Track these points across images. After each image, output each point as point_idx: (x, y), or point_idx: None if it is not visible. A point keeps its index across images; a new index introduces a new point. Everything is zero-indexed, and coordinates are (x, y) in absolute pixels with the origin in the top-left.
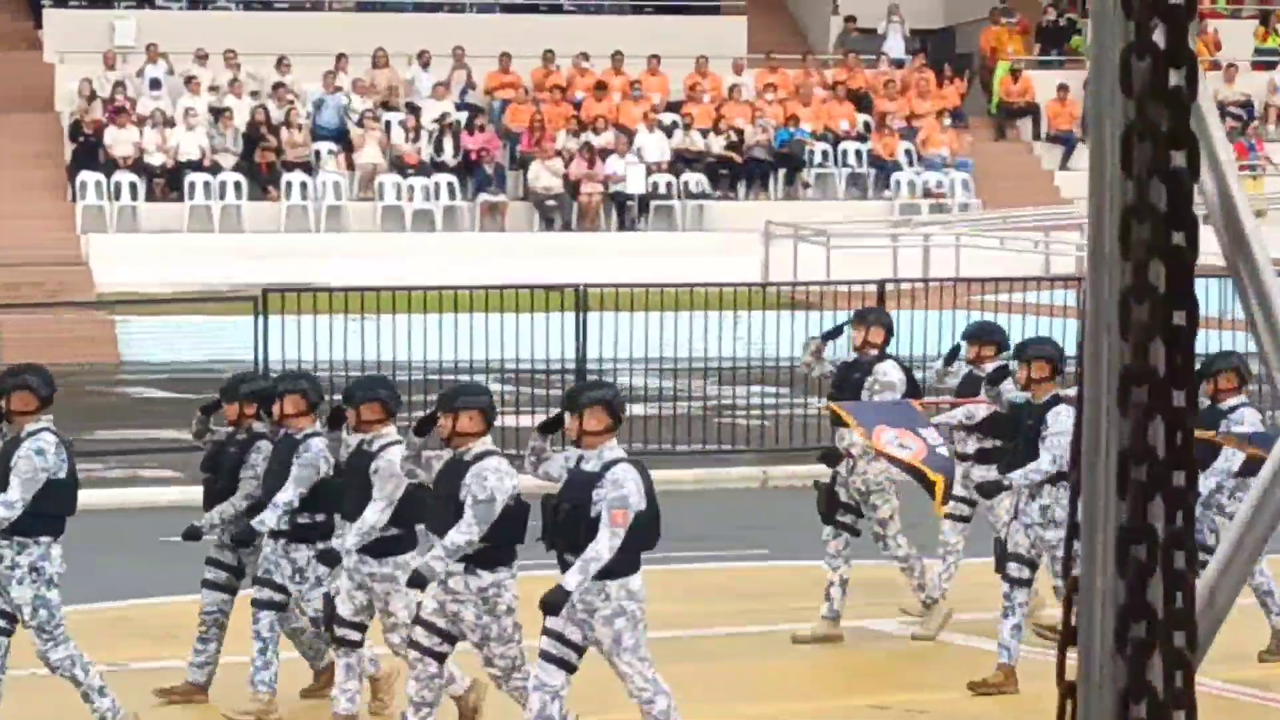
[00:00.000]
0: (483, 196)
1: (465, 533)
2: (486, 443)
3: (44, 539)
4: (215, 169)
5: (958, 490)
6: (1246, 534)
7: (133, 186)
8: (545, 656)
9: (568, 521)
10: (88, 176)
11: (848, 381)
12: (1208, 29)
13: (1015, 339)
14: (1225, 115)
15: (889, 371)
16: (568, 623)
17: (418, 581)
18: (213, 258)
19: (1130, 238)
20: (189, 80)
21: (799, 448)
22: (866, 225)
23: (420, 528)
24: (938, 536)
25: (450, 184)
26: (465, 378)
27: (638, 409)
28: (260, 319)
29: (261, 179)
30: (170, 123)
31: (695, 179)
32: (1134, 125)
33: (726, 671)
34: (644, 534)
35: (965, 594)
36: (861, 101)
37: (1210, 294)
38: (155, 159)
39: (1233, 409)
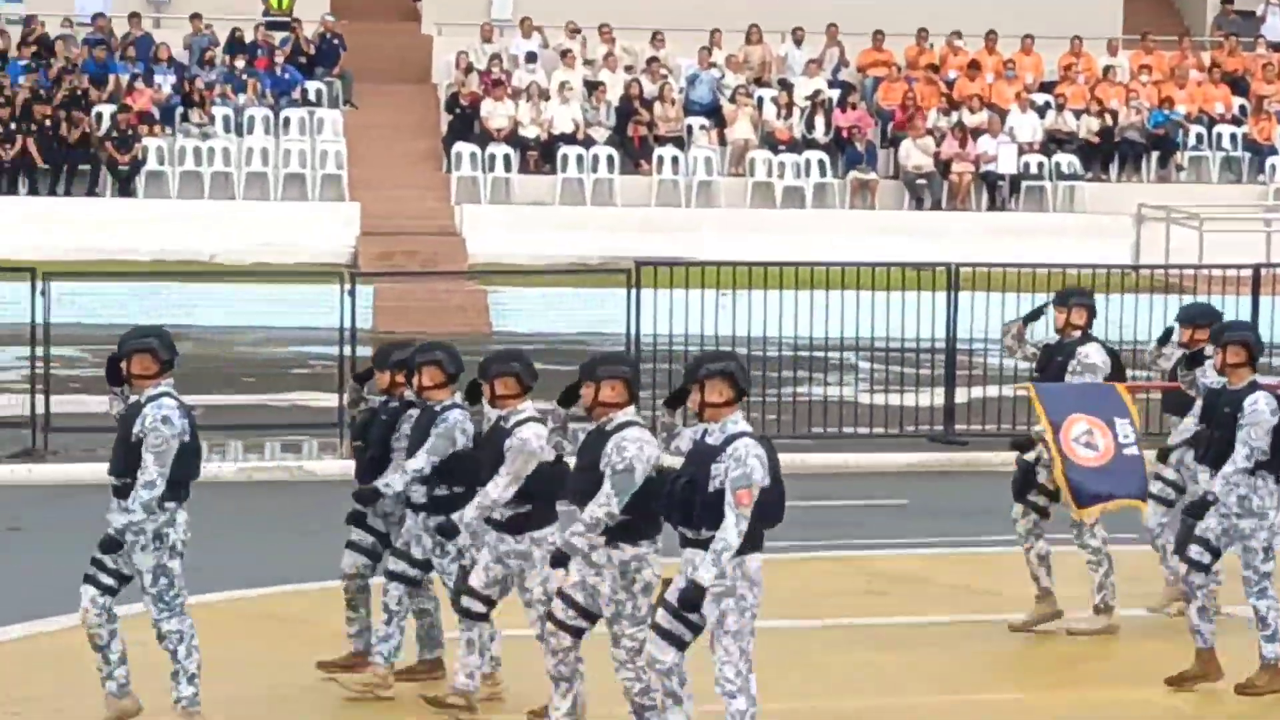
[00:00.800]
0: (853, 174)
1: (604, 504)
2: (629, 413)
3: (169, 505)
4: (588, 142)
5: (1167, 473)
6: None
7: (506, 159)
8: (659, 630)
9: (684, 494)
10: (463, 148)
11: (1050, 364)
12: None
13: None
14: None
15: (1091, 354)
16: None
17: (560, 560)
18: (584, 230)
19: None
20: (564, 54)
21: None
22: (1241, 209)
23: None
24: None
25: (821, 161)
26: (835, 355)
27: (1006, 390)
28: (633, 292)
29: (634, 153)
30: (545, 96)
31: (1067, 160)
32: None
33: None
34: (767, 512)
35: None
36: (1238, 84)
37: None
38: (529, 132)
39: None
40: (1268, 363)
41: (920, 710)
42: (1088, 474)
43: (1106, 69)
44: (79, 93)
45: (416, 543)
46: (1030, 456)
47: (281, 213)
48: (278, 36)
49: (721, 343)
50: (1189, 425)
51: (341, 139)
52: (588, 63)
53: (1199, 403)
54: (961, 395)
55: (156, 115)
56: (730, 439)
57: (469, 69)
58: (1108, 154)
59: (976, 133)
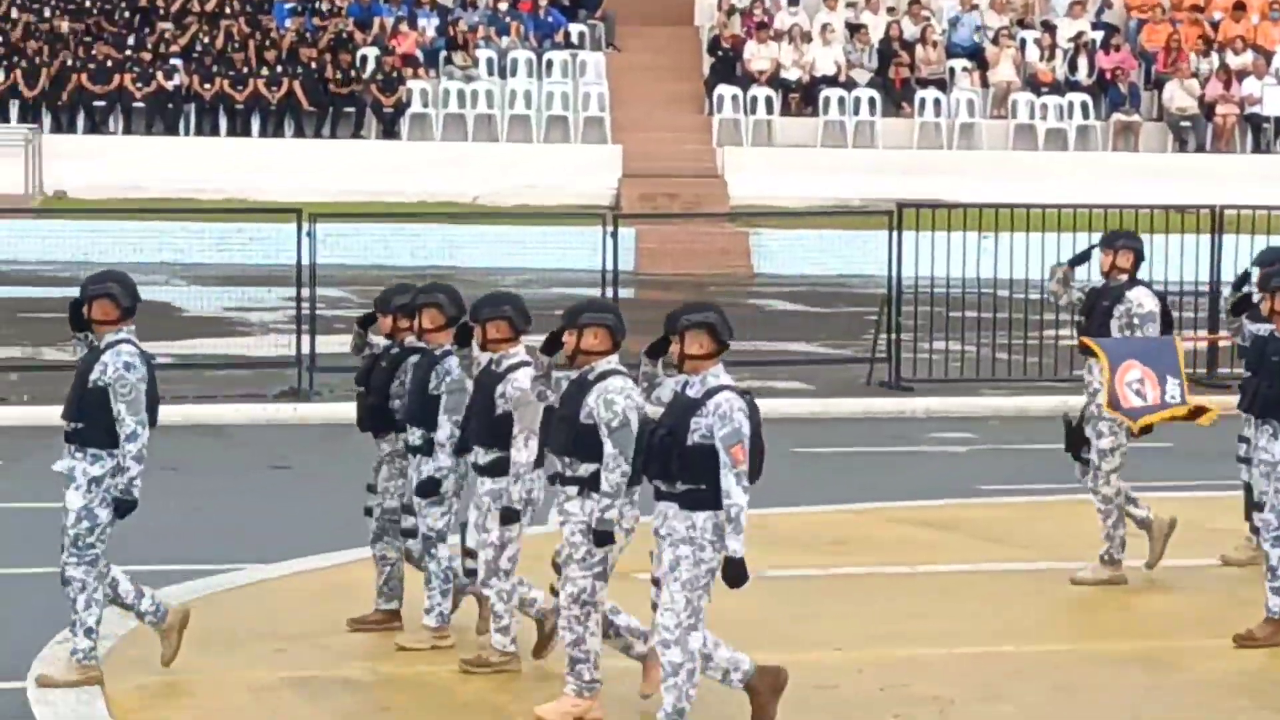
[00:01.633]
0: (1116, 116)
1: (615, 467)
2: (612, 361)
3: (118, 451)
4: (850, 85)
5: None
6: None
7: (768, 101)
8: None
9: (662, 447)
10: (725, 90)
11: (1095, 309)
12: None
13: None
14: None
15: (1144, 301)
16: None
17: (603, 540)
18: (845, 173)
19: None
20: None
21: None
22: None
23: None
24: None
25: (1084, 103)
26: None
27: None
28: (894, 234)
29: (895, 95)
30: (807, 38)
31: None
32: None
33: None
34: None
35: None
36: None
37: None
38: (791, 74)
39: None
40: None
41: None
42: (1133, 411)
43: None
44: (344, 36)
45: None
46: (1074, 416)
47: (544, 155)
48: None
49: (983, 285)
50: None
51: (604, 81)
52: (849, 4)
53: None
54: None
55: (421, 58)
56: (710, 392)
57: (731, 11)
58: None
59: (1241, 74)
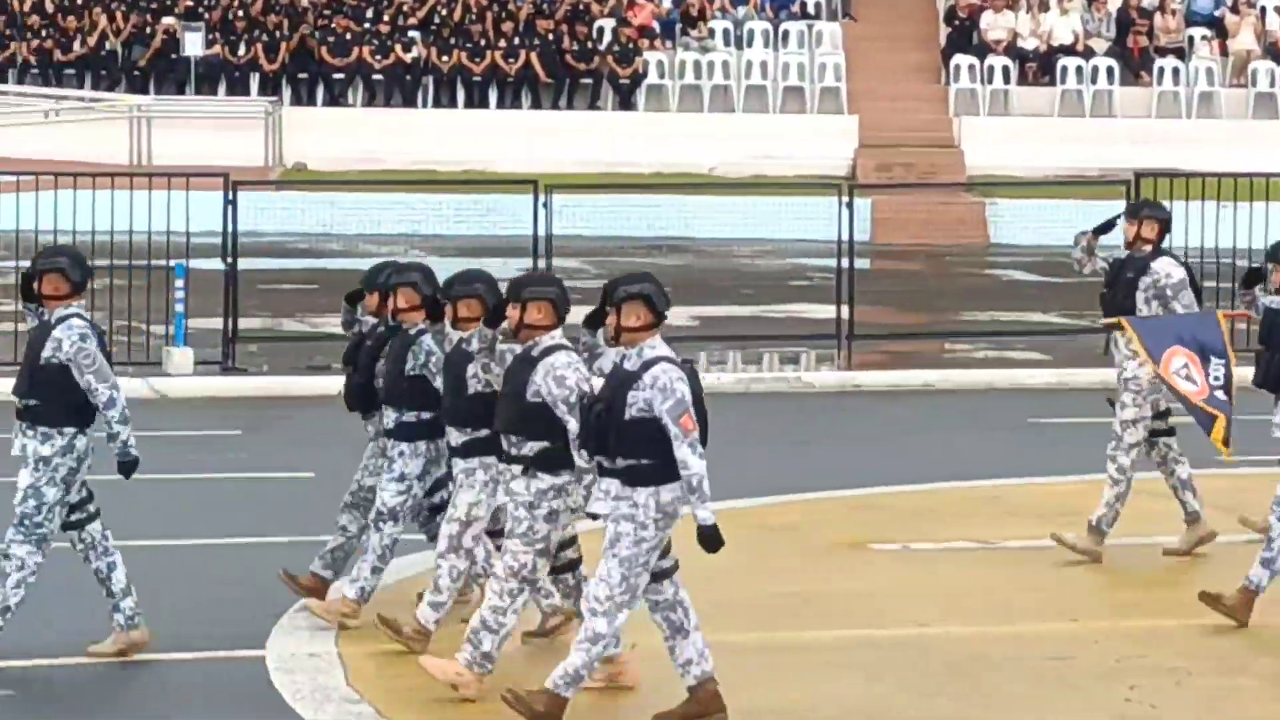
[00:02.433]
0: None
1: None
2: (556, 336)
3: (68, 429)
4: (1088, 54)
5: None
6: None
7: (1005, 70)
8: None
9: (599, 423)
10: (961, 60)
11: (1119, 280)
12: None
13: None
14: None
15: (1171, 271)
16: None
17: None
18: (1082, 143)
19: None
20: None
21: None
22: None
23: None
24: None
25: None
26: None
27: None
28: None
29: (1133, 64)
30: (1044, 7)
31: None
32: None
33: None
34: None
35: None
36: None
37: None
38: (1028, 44)
39: None
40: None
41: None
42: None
43: None
44: (581, 7)
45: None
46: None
47: (780, 125)
48: None
49: (1222, 255)
50: None
51: (840, 51)
52: None
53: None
54: None
55: (657, 29)
56: (647, 365)
57: None
58: None
59: None
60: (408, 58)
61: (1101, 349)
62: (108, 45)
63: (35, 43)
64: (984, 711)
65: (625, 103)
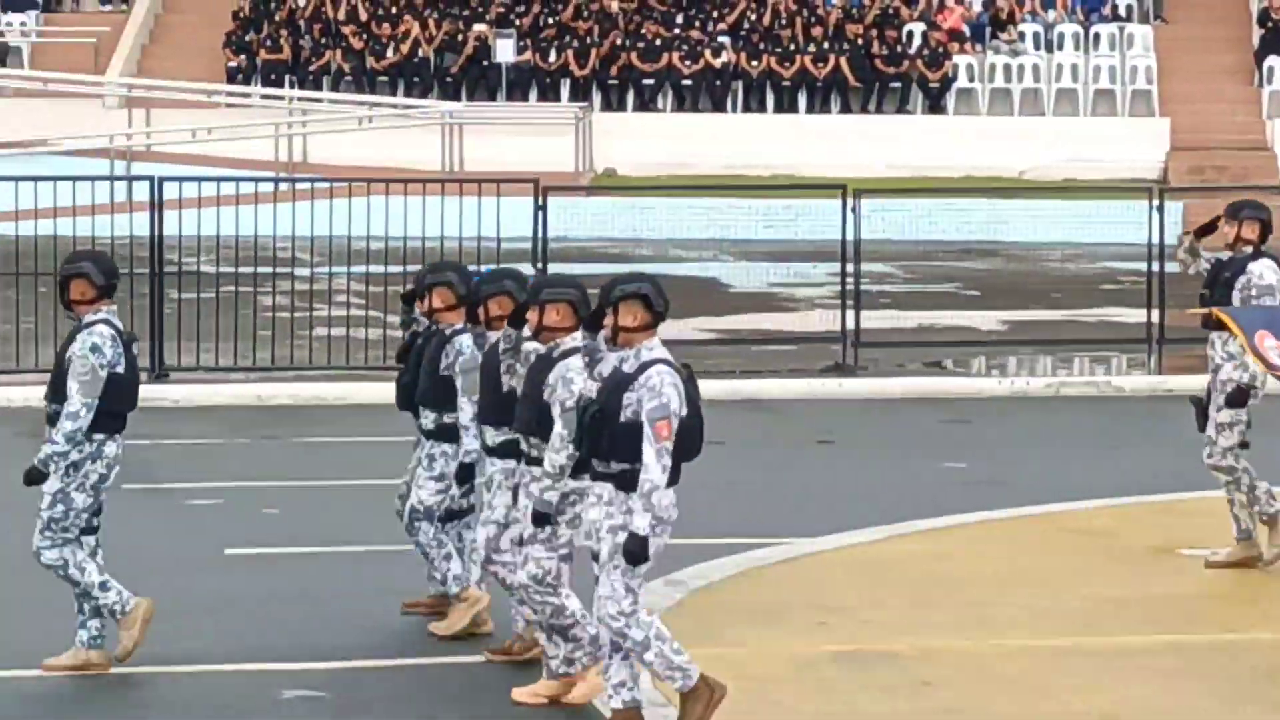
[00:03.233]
0: None
1: (563, 447)
2: (576, 338)
3: (97, 436)
4: None
5: None
6: None
7: None
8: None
9: (593, 425)
10: (1275, 62)
11: (1217, 280)
12: None
13: None
14: None
15: (1265, 273)
16: (587, 539)
17: (541, 520)
18: None
19: None
20: None
21: None
22: None
23: None
24: None
25: None
26: None
27: None
28: None
29: None
30: None
31: None
32: None
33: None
34: (684, 444)
35: None
36: None
37: None
38: None
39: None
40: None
41: None
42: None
43: None
44: (890, 11)
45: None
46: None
47: (1091, 128)
48: None
49: None
50: None
51: (1152, 54)
52: None
53: None
54: None
55: (966, 33)
56: (644, 366)
57: None
58: None
59: None
60: (717, 63)
61: None
62: (420, 53)
63: (350, 51)
64: None
65: (934, 106)
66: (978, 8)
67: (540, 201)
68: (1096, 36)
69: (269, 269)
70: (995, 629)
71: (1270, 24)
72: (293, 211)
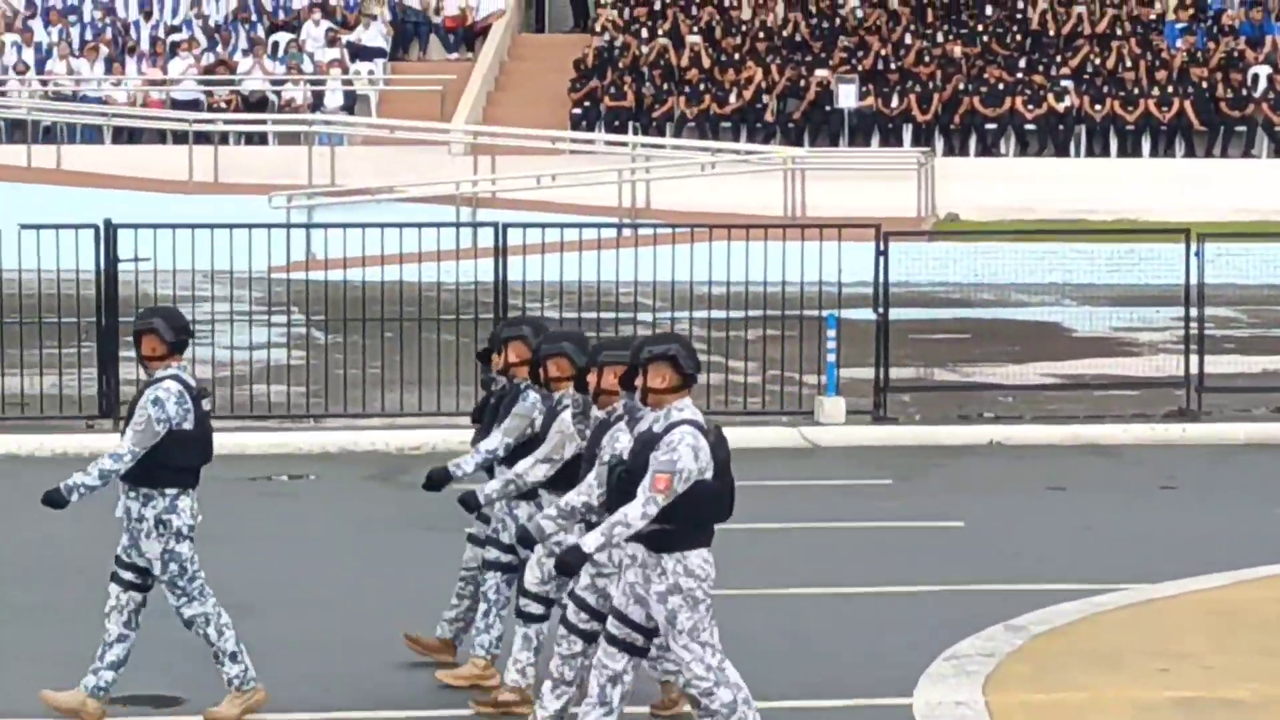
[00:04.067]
0: None
1: (585, 494)
2: (637, 398)
3: (170, 491)
4: None
5: None
6: None
7: None
8: (608, 638)
9: (619, 486)
10: None
11: None
12: None
13: None
14: None
15: None
16: (629, 601)
17: (525, 540)
18: None
19: None
20: None
21: None
22: None
23: None
24: None
25: None
26: None
27: None
28: None
29: None
30: None
31: None
32: None
33: None
34: (709, 507)
35: None
36: None
37: None
38: None
39: None
40: None
41: None
42: None
43: None
44: (1235, 55)
45: (503, 528)
46: None
47: None
48: None
49: None
50: None
51: None
52: None
53: None
54: None
55: None
56: (670, 427)
57: None
58: None
59: None
60: (1060, 107)
61: None
62: (763, 99)
63: (693, 97)
64: None
65: None
66: None
67: (882, 246)
68: None
69: (611, 314)
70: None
71: None
72: (635, 256)
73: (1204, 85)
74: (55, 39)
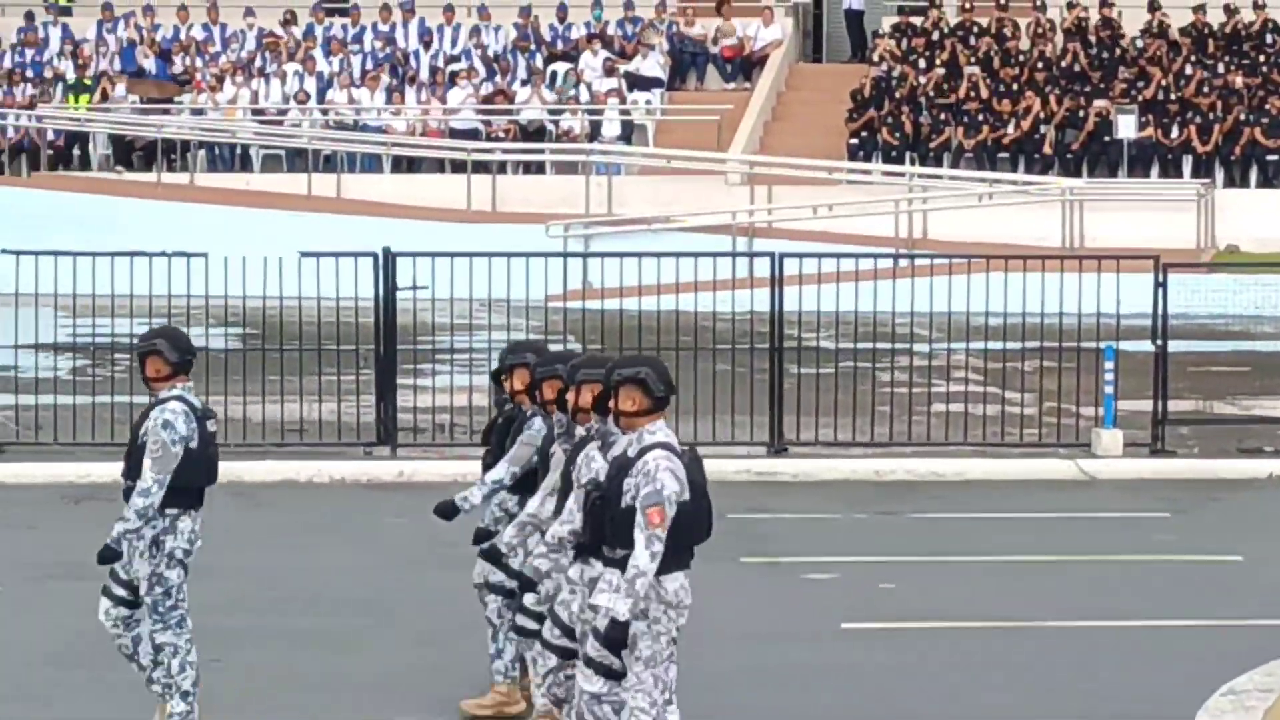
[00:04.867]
0: None
1: (569, 522)
2: (610, 422)
3: (171, 511)
4: None
5: None
6: None
7: None
8: (585, 660)
9: (594, 510)
10: None
11: None
12: None
13: None
14: None
15: None
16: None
17: (527, 585)
18: None
19: None
20: None
21: None
22: None
23: None
24: None
25: None
26: None
27: None
28: None
29: None
30: None
31: None
32: None
33: None
34: (685, 529)
35: None
36: None
37: None
38: None
39: None
40: None
41: None
42: None
43: None
44: None
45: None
46: None
47: None
48: None
49: None
50: None
51: None
52: None
53: None
54: None
55: None
56: (643, 451)
57: None
58: None
59: None
60: None
61: None
62: (1041, 129)
63: (971, 127)
64: None
65: None
66: None
67: (1161, 278)
68: None
69: (888, 345)
70: None
71: None
72: (912, 287)
73: None
74: (336, 69)
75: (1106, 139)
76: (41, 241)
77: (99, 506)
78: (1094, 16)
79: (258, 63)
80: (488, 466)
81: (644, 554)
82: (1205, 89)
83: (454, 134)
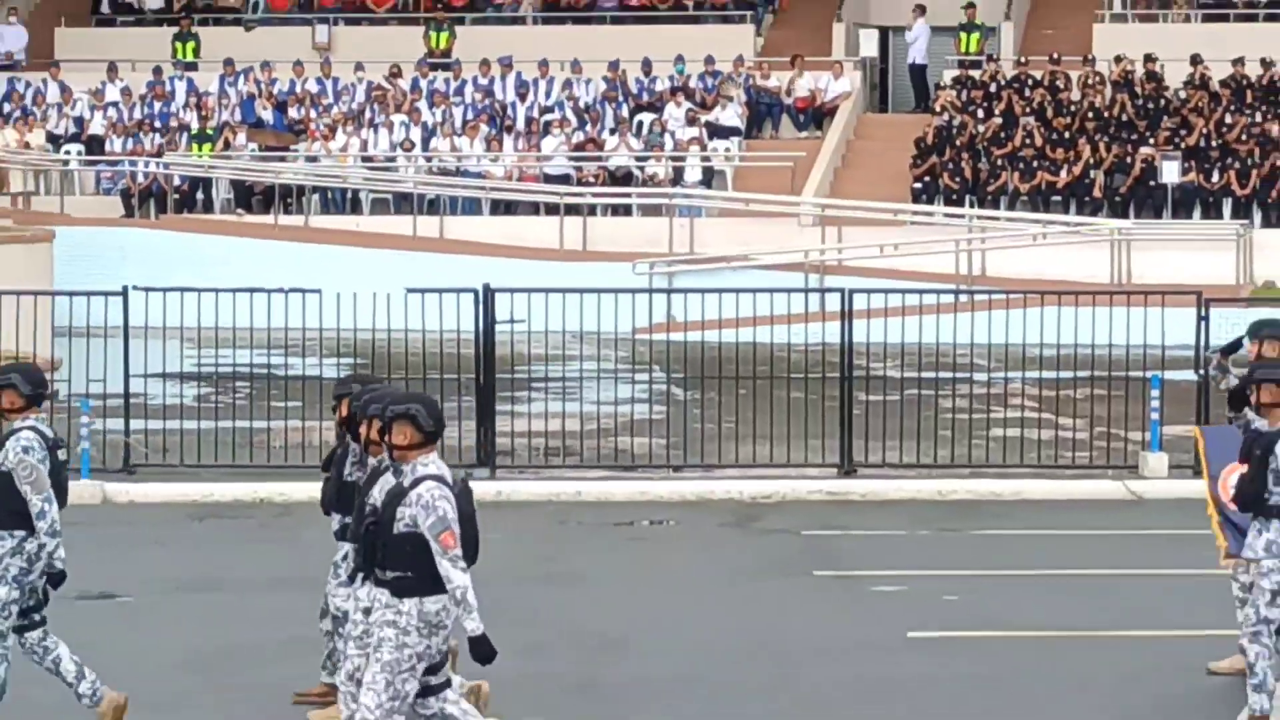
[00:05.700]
0: None
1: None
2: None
3: (18, 532)
4: None
5: None
6: None
7: None
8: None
9: (369, 536)
10: None
11: (1240, 397)
12: None
13: None
14: None
15: None
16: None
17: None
18: None
19: None
20: None
21: None
22: None
23: None
24: None
25: None
26: None
27: None
28: None
29: None
30: None
31: None
32: None
33: None
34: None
35: None
36: None
37: None
38: None
39: None
40: None
41: None
42: (1242, 520)
43: None
44: None
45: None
46: None
47: None
48: None
49: None
50: None
51: None
52: None
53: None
54: None
55: None
56: (416, 482)
57: None
58: None
59: None
60: None
61: None
62: (1091, 174)
63: (1026, 173)
64: None
65: None
66: None
67: (1203, 312)
68: None
69: (949, 374)
70: None
71: None
72: (971, 321)
73: None
74: (439, 119)
75: (1152, 183)
76: (168, 279)
77: (221, 524)
78: (1140, 69)
79: (367, 114)
80: (326, 495)
81: (456, 573)
82: (1244, 136)
83: (548, 179)
